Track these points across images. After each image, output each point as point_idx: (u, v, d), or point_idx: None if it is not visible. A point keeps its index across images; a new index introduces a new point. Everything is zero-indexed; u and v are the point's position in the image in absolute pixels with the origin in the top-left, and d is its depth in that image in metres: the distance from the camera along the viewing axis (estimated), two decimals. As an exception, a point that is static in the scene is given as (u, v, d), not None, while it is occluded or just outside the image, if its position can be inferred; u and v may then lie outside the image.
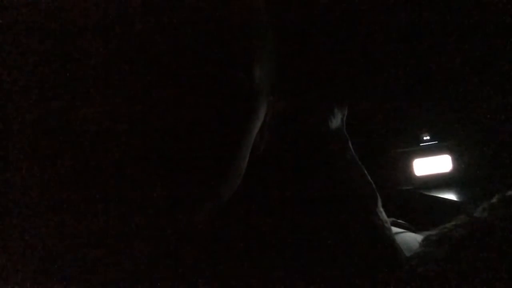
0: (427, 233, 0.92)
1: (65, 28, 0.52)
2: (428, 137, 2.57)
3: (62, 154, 0.56)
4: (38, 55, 0.54)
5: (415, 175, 2.55)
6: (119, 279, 0.59)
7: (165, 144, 0.55)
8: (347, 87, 1.21)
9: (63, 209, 0.56)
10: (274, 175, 0.90)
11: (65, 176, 0.56)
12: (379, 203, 0.98)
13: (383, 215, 0.97)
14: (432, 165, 2.55)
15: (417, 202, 2.44)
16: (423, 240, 0.89)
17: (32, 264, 0.59)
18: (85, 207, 0.56)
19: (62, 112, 0.54)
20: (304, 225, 0.89)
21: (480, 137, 2.25)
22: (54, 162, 0.57)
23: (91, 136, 0.53)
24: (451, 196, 2.40)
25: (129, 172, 0.54)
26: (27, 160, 0.56)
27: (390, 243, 0.93)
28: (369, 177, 0.99)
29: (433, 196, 2.41)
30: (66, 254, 0.60)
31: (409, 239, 1.12)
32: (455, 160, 2.52)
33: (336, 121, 1.01)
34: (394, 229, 1.11)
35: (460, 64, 1.94)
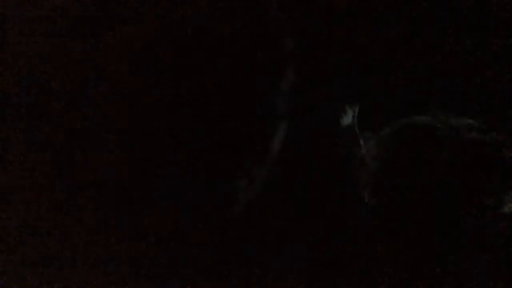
0: None
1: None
2: (438, 135, 2.54)
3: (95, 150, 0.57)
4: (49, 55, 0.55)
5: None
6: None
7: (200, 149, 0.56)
8: (358, 85, 1.21)
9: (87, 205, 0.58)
10: (285, 171, 0.90)
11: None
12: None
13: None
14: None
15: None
16: None
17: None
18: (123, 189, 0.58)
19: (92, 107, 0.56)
20: (312, 222, 0.89)
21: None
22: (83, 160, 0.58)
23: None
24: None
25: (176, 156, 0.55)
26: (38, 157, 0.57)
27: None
28: (379, 178, 0.99)
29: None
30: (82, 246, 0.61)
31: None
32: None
33: (347, 119, 1.00)
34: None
35: (469, 63, 1.92)
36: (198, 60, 0.49)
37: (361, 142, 1.02)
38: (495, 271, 0.96)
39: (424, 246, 1.20)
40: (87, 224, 0.63)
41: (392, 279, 0.93)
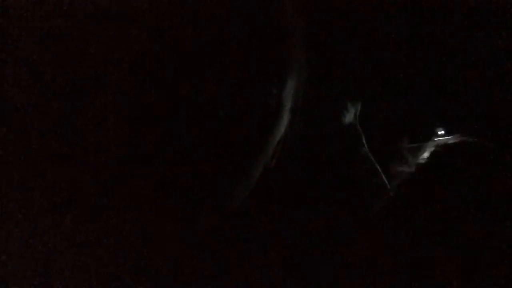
0: None
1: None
2: (443, 132, 2.54)
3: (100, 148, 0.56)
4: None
5: (429, 170, 2.52)
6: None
7: (191, 147, 0.56)
8: (360, 81, 1.21)
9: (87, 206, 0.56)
10: (286, 169, 0.89)
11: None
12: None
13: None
14: (447, 160, 2.53)
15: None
16: None
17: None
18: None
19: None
20: (312, 221, 0.88)
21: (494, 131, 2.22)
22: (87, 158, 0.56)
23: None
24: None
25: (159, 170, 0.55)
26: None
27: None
28: (383, 176, 0.98)
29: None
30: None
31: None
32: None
33: (350, 116, 0.99)
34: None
35: (474, 58, 1.91)
36: (198, 60, 0.49)
37: (363, 140, 1.01)
38: (496, 272, 0.96)
39: (424, 246, 1.20)
40: (87, 225, 0.63)
41: (392, 279, 0.93)
